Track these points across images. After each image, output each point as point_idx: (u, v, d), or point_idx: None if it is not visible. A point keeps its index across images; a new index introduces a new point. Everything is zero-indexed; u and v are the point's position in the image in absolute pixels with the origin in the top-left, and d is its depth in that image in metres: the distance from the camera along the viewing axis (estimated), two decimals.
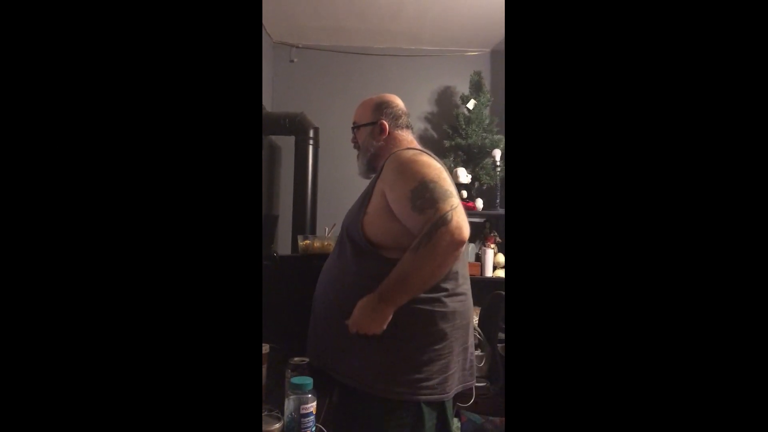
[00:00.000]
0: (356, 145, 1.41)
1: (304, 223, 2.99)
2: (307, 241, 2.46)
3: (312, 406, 1.02)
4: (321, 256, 2.36)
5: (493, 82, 3.41)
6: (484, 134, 3.08)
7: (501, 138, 3.06)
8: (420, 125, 3.36)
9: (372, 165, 1.36)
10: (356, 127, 1.40)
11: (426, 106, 3.42)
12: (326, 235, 2.49)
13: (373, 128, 1.35)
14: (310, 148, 3.06)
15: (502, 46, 3.38)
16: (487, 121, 3.13)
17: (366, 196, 1.24)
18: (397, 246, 1.14)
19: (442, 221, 1.02)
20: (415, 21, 3.02)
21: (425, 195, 1.07)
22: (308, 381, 1.02)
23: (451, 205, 1.05)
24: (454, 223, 1.02)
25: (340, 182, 3.21)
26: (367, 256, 1.18)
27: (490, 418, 2.03)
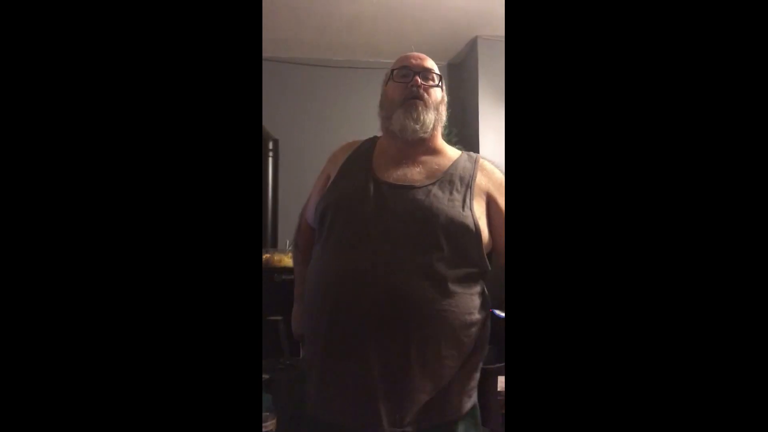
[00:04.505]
0: (418, 94, 1.13)
1: (264, 236, 2.95)
2: (268, 255, 2.43)
3: (271, 424, 1.00)
4: (283, 270, 2.34)
5: (450, 94, 3.47)
6: None
7: (460, 148, 3.10)
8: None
9: (433, 135, 1.18)
10: (431, 74, 1.17)
11: None
12: (287, 249, 2.47)
13: (442, 95, 1.18)
14: (270, 160, 3.04)
15: (459, 59, 3.45)
16: (445, 132, 3.17)
17: (467, 190, 1.10)
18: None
19: None
20: (372, 35, 3.05)
21: None
22: (266, 399, 1.01)
23: None
24: None
25: (300, 195, 3.17)
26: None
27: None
